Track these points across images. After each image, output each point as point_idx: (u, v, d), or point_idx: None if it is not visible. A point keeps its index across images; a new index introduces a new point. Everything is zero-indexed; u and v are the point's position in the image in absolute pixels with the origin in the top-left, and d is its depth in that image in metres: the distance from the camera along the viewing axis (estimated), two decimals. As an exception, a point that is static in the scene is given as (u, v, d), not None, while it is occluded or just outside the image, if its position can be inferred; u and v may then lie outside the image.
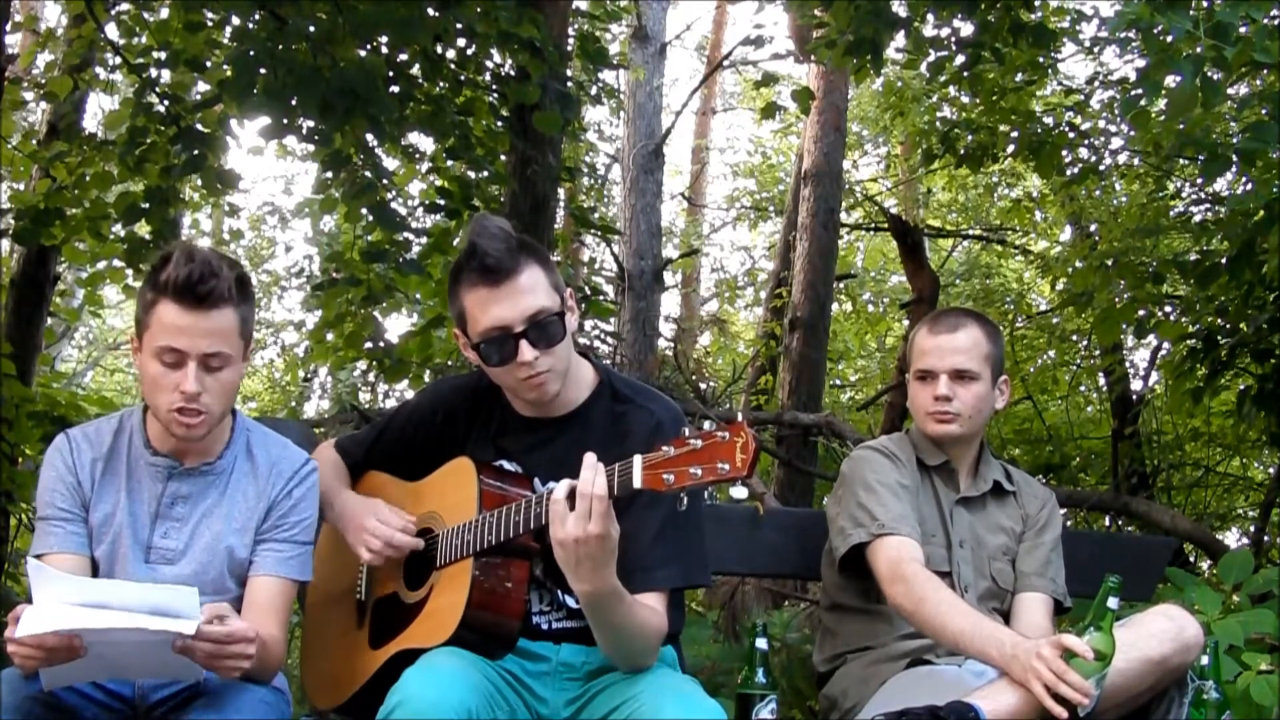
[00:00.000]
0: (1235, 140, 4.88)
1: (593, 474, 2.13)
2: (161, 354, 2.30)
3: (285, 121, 5.12)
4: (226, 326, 2.31)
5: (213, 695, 2.27)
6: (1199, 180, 7.17)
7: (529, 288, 2.37)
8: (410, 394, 7.45)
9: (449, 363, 6.69)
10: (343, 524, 2.59)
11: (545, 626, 2.47)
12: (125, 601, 2.07)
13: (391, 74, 5.59)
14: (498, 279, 2.36)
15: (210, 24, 5.73)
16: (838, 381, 13.69)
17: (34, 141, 7.08)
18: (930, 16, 5.94)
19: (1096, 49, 6.82)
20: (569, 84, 6.18)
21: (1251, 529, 8.10)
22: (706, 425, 2.07)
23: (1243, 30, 3.69)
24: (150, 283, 2.33)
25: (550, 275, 2.43)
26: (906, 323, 10.87)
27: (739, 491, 2.21)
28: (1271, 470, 8.41)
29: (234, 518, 2.44)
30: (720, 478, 2.02)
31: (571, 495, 2.14)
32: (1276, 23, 3.92)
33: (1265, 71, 4.70)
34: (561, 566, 2.19)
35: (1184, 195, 7.79)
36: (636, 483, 2.09)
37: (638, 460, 2.10)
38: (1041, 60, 6.54)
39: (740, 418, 2.05)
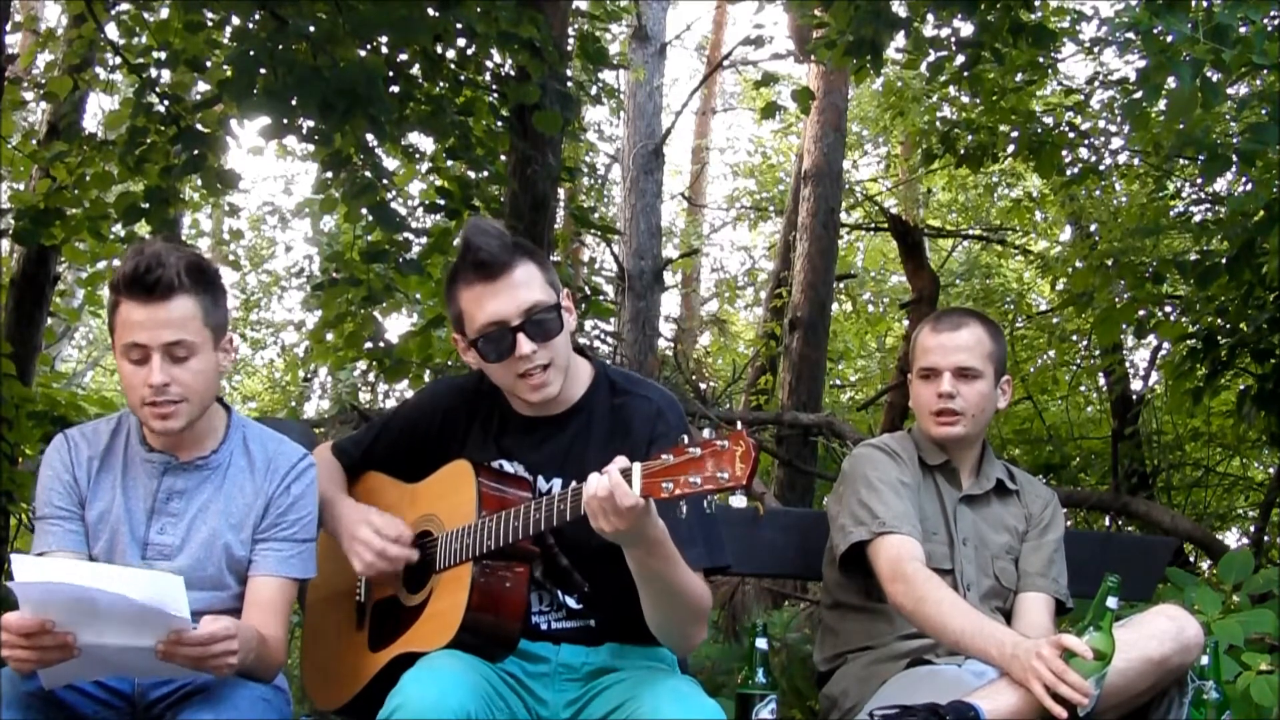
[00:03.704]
0: (1235, 140, 4.89)
1: (596, 482, 2.12)
2: (128, 352, 2.32)
3: (285, 121, 5.12)
4: (184, 314, 2.32)
5: (211, 692, 2.27)
6: (1199, 180, 7.18)
7: (524, 282, 2.39)
8: (410, 394, 7.46)
9: (449, 363, 6.68)
10: (338, 532, 2.58)
11: (545, 627, 2.46)
12: (110, 584, 2.07)
13: (391, 74, 5.60)
14: (493, 274, 2.38)
15: (210, 24, 5.74)
16: (838, 381, 13.68)
17: (34, 141, 7.09)
18: (930, 16, 5.95)
19: (1096, 49, 6.82)
20: (569, 84, 6.18)
21: (1251, 529, 8.11)
22: (706, 433, 2.07)
23: (1242, 31, 3.70)
24: (110, 286, 2.36)
25: (545, 272, 2.45)
26: (906, 323, 10.87)
27: (738, 501, 2.21)
28: (1271, 470, 8.41)
29: (231, 513, 2.44)
30: (719, 486, 2.03)
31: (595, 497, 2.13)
32: (1275, 24, 3.92)
33: (1265, 72, 4.71)
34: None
35: (1184, 195, 7.80)
36: (635, 490, 2.09)
37: (637, 468, 2.10)
38: (1041, 60, 6.54)
39: (739, 425, 2.05)
